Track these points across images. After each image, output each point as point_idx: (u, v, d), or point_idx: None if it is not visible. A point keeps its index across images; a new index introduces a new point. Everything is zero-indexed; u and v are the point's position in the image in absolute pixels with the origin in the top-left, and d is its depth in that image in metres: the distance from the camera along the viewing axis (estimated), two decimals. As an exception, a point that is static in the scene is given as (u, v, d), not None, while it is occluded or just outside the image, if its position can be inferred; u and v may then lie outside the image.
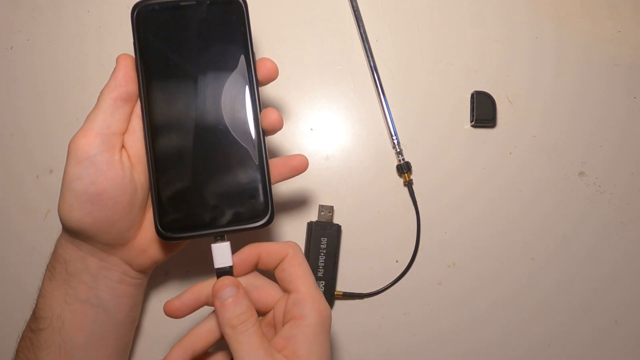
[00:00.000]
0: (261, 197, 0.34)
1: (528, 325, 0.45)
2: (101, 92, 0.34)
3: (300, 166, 0.37)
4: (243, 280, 0.34)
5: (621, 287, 0.45)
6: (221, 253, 0.34)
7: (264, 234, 0.45)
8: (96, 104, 0.34)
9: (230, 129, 0.34)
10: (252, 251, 0.34)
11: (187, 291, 0.34)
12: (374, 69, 0.47)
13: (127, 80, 0.34)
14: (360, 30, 0.47)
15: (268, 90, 0.47)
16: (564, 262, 0.46)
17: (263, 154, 0.34)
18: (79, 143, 0.33)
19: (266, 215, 0.34)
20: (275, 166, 0.36)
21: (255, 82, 0.35)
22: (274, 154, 0.46)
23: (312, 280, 0.34)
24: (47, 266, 0.37)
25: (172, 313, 0.34)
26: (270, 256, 0.34)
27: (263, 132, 0.34)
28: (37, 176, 0.46)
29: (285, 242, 0.35)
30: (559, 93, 0.47)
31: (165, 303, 0.34)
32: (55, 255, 0.37)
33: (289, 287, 0.34)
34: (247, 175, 0.34)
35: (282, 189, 0.46)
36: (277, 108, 0.47)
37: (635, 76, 0.48)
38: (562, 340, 0.45)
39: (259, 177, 0.34)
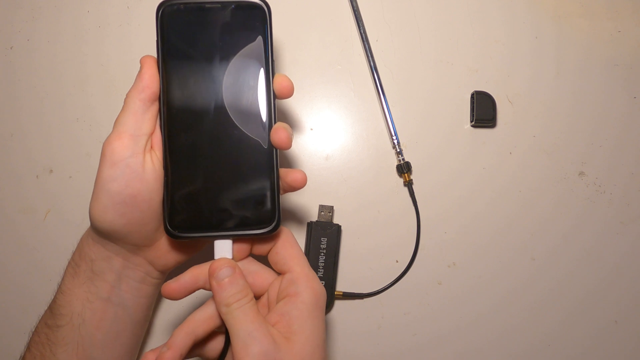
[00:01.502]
0: (269, 205, 0.34)
1: (528, 325, 0.45)
2: (128, 94, 0.34)
3: (294, 184, 0.35)
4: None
5: (621, 287, 0.45)
6: (222, 247, 0.35)
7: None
8: (125, 106, 0.34)
9: (244, 135, 0.34)
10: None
11: (185, 273, 0.35)
12: (374, 69, 0.47)
13: (153, 81, 0.34)
14: (360, 30, 0.47)
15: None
16: (563, 262, 0.46)
17: (274, 162, 0.34)
18: (114, 145, 0.33)
19: (272, 222, 0.34)
20: None
21: (272, 92, 0.35)
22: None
23: (305, 260, 0.34)
24: (70, 263, 0.37)
25: (170, 295, 0.34)
26: (262, 240, 0.35)
27: None
28: (37, 176, 0.46)
29: None
30: (559, 93, 0.48)
31: (163, 285, 0.34)
32: (80, 253, 0.37)
33: (283, 269, 0.34)
34: (257, 182, 0.34)
35: (282, 189, 0.46)
36: (278, 107, 0.47)
37: (635, 76, 0.48)
38: (562, 340, 0.45)
39: (268, 185, 0.34)
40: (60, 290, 0.37)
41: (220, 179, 0.34)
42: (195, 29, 0.35)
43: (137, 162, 0.33)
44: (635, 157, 0.47)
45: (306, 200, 0.46)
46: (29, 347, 0.37)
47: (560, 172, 0.47)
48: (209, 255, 0.36)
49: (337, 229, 0.44)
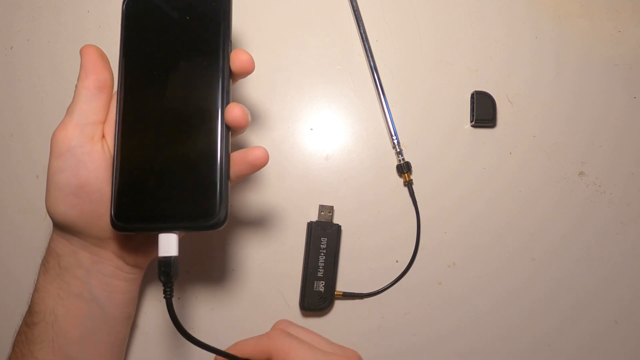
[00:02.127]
0: (212, 196, 0.32)
1: (528, 325, 0.45)
2: (75, 86, 0.34)
3: (257, 161, 0.34)
4: None
5: (621, 287, 0.45)
6: (167, 243, 0.32)
7: (263, 235, 0.45)
8: (73, 97, 0.34)
9: (193, 123, 0.33)
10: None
11: None
12: (374, 69, 0.47)
13: (95, 68, 0.34)
14: (360, 30, 0.47)
15: (269, 90, 0.47)
16: (563, 262, 0.46)
17: (222, 150, 0.32)
18: (58, 136, 0.33)
19: (216, 216, 0.32)
20: (232, 162, 0.34)
21: (225, 76, 0.33)
22: (274, 152, 0.46)
23: (310, 354, 0.33)
24: (42, 261, 0.37)
25: None
26: (257, 357, 0.34)
27: (226, 127, 0.33)
28: (37, 176, 0.46)
29: (266, 337, 0.34)
30: (559, 93, 0.47)
31: None
32: (48, 249, 0.37)
33: None
34: (203, 173, 0.32)
35: (282, 189, 0.46)
36: (278, 108, 0.47)
37: (635, 76, 0.48)
38: (562, 340, 0.45)
39: (215, 175, 0.32)
40: (35, 288, 0.37)
41: (167, 170, 0.33)
42: (156, 18, 0.35)
43: (84, 151, 0.33)
44: (635, 157, 0.47)
45: (306, 200, 0.46)
46: (13, 347, 0.37)
47: (560, 172, 0.47)
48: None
49: (337, 229, 0.44)
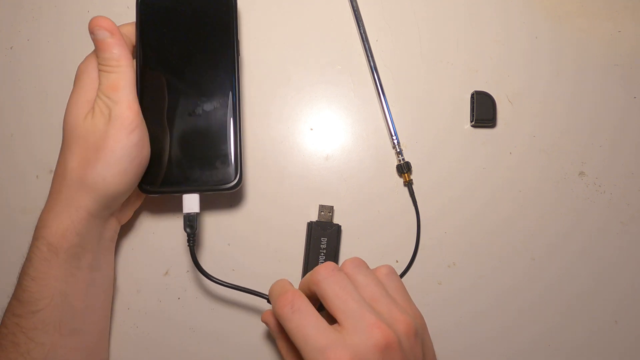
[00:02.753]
0: (231, 163, 0.39)
1: (527, 325, 0.45)
2: (118, 65, 0.37)
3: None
4: None
5: (621, 287, 0.45)
6: (190, 201, 0.39)
7: (263, 235, 0.45)
8: (120, 74, 0.36)
9: (209, 102, 0.40)
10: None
11: None
12: (374, 69, 0.47)
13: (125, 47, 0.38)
14: (360, 30, 0.47)
15: (269, 90, 0.47)
16: (563, 262, 0.46)
17: (237, 124, 0.40)
18: (130, 112, 0.36)
19: (234, 179, 0.39)
20: None
21: (236, 62, 0.40)
22: (274, 152, 0.46)
23: (343, 304, 0.31)
24: (39, 249, 0.36)
25: None
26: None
27: (239, 106, 0.40)
28: (37, 176, 0.46)
29: (311, 274, 0.33)
30: (559, 93, 0.48)
31: None
32: (63, 234, 0.36)
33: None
34: (221, 144, 0.39)
35: (282, 189, 0.46)
36: (278, 107, 0.47)
37: (634, 76, 0.48)
38: (562, 340, 0.45)
39: (230, 145, 0.40)
40: (30, 277, 0.36)
41: (187, 141, 0.39)
42: (170, 12, 0.41)
43: (144, 126, 0.37)
44: (635, 157, 0.47)
45: (306, 200, 0.46)
46: None
47: (560, 172, 0.47)
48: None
49: (337, 229, 0.44)
